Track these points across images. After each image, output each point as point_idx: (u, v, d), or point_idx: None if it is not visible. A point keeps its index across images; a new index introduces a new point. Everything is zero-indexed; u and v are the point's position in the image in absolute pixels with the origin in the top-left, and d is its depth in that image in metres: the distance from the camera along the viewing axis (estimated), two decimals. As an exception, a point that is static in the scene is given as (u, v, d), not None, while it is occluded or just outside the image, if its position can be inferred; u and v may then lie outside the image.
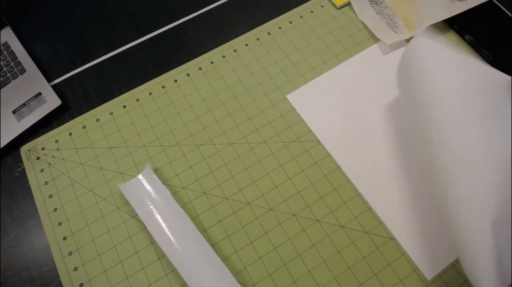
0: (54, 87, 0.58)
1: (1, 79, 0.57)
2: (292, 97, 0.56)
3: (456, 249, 0.39)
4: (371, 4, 0.63)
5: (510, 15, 0.60)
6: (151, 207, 0.47)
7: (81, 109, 0.57)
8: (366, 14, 0.62)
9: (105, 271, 0.45)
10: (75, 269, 0.46)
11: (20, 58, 0.59)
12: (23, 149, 0.53)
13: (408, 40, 0.59)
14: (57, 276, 0.46)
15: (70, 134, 0.54)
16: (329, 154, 0.51)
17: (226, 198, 0.49)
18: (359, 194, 0.49)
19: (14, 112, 0.55)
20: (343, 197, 0.49)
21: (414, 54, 0.46)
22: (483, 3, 0.60)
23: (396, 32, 0.60)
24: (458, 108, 0.42)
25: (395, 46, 0.58)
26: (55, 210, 0.49)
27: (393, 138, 0.52)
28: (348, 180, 0.50)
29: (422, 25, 0.59)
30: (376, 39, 0.60)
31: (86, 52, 0.62)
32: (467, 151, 0.40)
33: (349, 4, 0.63)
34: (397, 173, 0.49)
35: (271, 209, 0.48)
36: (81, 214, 0.49)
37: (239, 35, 0.62)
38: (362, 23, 0.61)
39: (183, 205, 0.48)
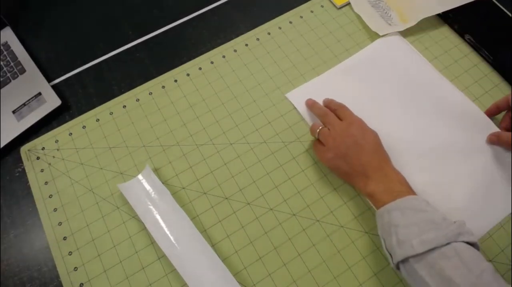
0: (54, 87, 0.58)
1: (1, 79, 0.57)
2: (291, 95, 0.56)
3: None
4: None
5: (510, 15, 0.60)
6: (151, 207, 0.47)
7: (81, 109, 0.57)
8: (361, 6, 0.63)
9: (105, 271, 0.45)
10: (75, 269, 0.46)
11: (20, 58, 0.59)
12: (23, 149, 0.53)
13: (401, 33, 0.59)
14: (57, 276, 0.45)
15: (70, 134, 0.54)
16: (329, 154, 0.51)
17: (226, 198, 0.49)
18: (359, 194, 0.49)
19: (14, 112, 0.55)
20: (343, 197, 0.49)
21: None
22: (483, 4, 0.60)
23: (390, 25, 0.60)
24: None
25: (394, 45, 0.58)
26: (55, 210, 0.49)
27: (393, 136, 0.52)
28: (348, 180, 0.50)
29: (417, 18, 0.59)
30: (375, 39, 0.60)
31: (86, 52, 0.61)
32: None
33: (349, 4, 0.63)
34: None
35: (271, 209, 0.48)
36: (81, 214, 0.49)
37: (239, 35, 0.62)
38: (360, 21, 0.61)
39: (183, 205, 0.48)
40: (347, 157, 0.46)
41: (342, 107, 0.51)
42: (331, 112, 0.50)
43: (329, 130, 0.48)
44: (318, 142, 0.50)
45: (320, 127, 0.49)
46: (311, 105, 0.53)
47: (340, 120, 0.49)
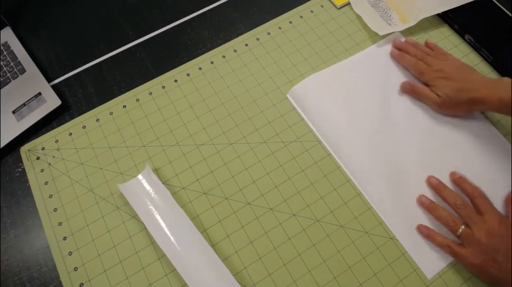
0: (54, 87, 0.58)
1: (1, 79, 0.57)
2: (292, 94, 0.55)
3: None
4: None
5: (510, 15, 0.60)
6: (151, 207, 0.47)
7: (81, 109, 0.57)
8: (360, 6, 0.62)
9: (105, 271, 0.45)
10: (75, 269, 0.46)
11: (20, 58, 0.59)
12: (23, 149, 0.53)
13: (401, 32, 0.59)
14: (57, 276, 0.46)
15: (70, 134, 0.54)
16: (329, 154, 0.51)
17: (226, 198, 0.49)
18: (359, 194, 0.49)
19: (14, 112, 0.55)
20: (343, 197, 0.49)
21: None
22: (483, 3, 0.60)
23: (390, 24, 0.60)
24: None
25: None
26: (55, 210, 0.49)
27: (392, 136, 0.52)
28: (348, 180, 0.50)
29: (417, 18, 0.59)
30: (376, 39, 0.60)
31: (86, 52, 0.62)
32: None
33: (349, 4, 0.63)
34: (397, 172, 0.50)
35: (271, 209, 0.48)
36: (81, 214, 0.49)
37: (239, 35, 0.62)
38: (360, 21, 0.61)
39: (183, 205, 0.48)
40: (496, 262, 0.40)
41: (481, 197, 0.44)
42: (470, 205, 0.44)
43: (472, 230, 0.42)
44: (457, 243, 0.44)
45: (463, 227, 0.43)
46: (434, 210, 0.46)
47: (479, 214, 0.43)
